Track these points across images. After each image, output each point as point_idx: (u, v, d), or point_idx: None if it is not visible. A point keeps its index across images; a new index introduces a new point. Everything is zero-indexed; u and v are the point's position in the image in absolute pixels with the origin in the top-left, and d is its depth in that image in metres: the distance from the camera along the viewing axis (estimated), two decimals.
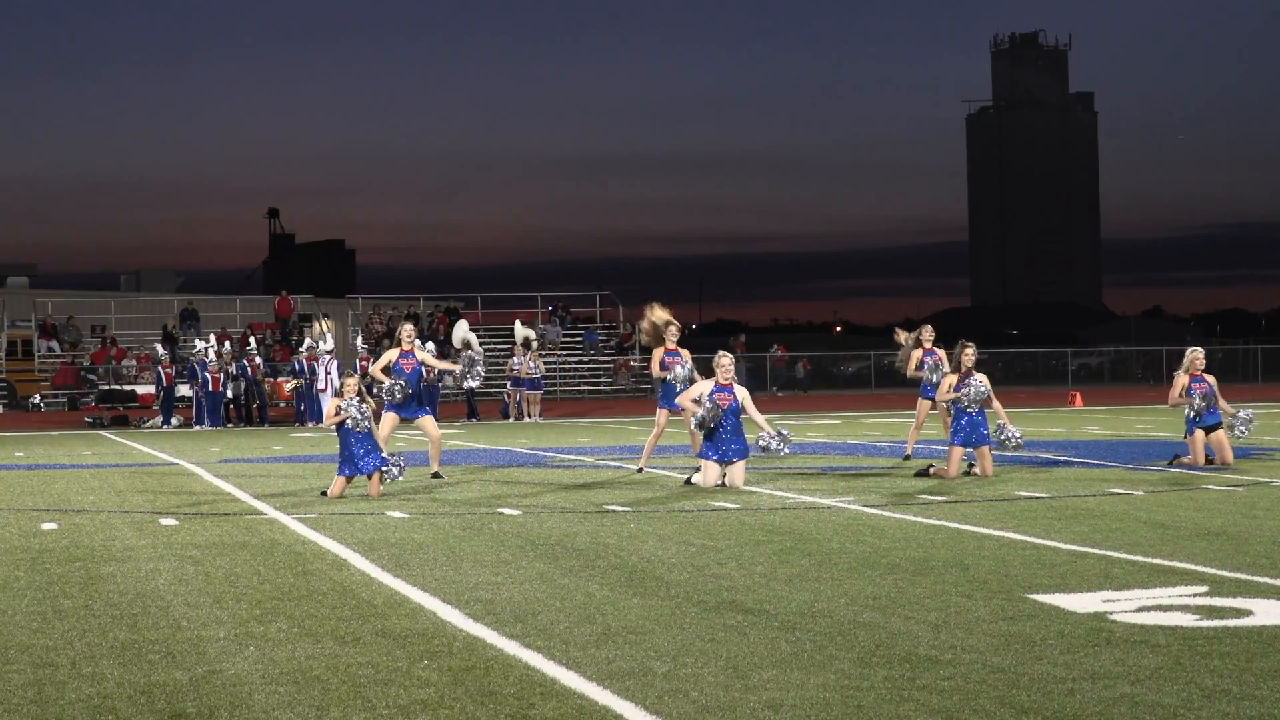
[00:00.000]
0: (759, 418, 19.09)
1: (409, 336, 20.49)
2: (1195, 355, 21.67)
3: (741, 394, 18.92)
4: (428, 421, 20.62)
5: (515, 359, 44.39)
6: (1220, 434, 21.04)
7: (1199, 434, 20.98)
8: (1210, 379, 21.38)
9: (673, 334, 20.99)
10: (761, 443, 18.86)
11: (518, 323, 49.34)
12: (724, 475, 18.61)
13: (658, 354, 21.19)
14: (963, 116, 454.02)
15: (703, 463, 18.82)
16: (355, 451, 17.89)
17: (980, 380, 19.61)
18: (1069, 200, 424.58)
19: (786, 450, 19.20)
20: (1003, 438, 19.90)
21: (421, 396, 20.81)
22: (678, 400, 19.83)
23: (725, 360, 19.10)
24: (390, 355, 20.45)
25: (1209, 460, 20.88)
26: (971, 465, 19.82)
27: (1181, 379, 21.44)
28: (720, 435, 18.65)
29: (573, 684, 7.65)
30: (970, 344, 20.35)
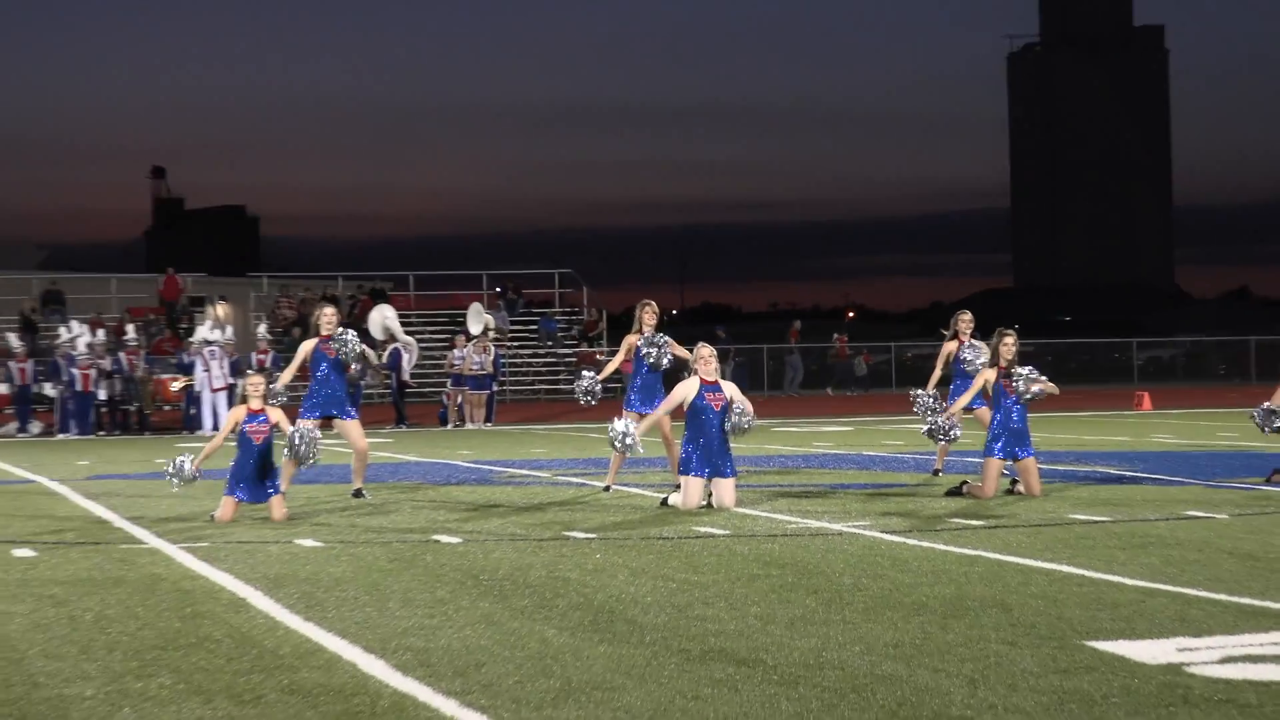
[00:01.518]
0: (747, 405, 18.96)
1: (329, 322, 20.36)
2: None
3: (730, 390, 18.88)
4: (352, 427, 20.38)
5: (457, 351, 44.32)
6: None
7: None
8: None
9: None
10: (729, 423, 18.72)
11: (476, 305, 48.52)
12: (709, 494, 18.61)
13: (629, 342, 21.14)
14: (1004, 55, 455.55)
15: (683, 480, 18.79)
16: (251, 471, 17.92)
17: (1029, 373, 19.55)
18: (1133, 160, 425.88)
19: (748, 424, 18.92)
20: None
21: (345, 395, 20.66)
22: (655, 413, 19.76)
23: (706, 352, 18.85)
24: (306, 347, 20.37)
25: None
26: (1015, 482, 19.86)
27: None
28: (708, 447, 18.58)
29: None
30: (1010, 332, 20.30)
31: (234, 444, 18.39)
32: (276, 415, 18.48)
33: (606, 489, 21.12)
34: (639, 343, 20.96)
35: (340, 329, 20.42)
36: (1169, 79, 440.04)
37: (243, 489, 17.98)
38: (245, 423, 18.23)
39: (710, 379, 18.76)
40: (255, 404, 18.33)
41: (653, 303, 21.20)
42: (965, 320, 22.84)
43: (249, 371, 21.18)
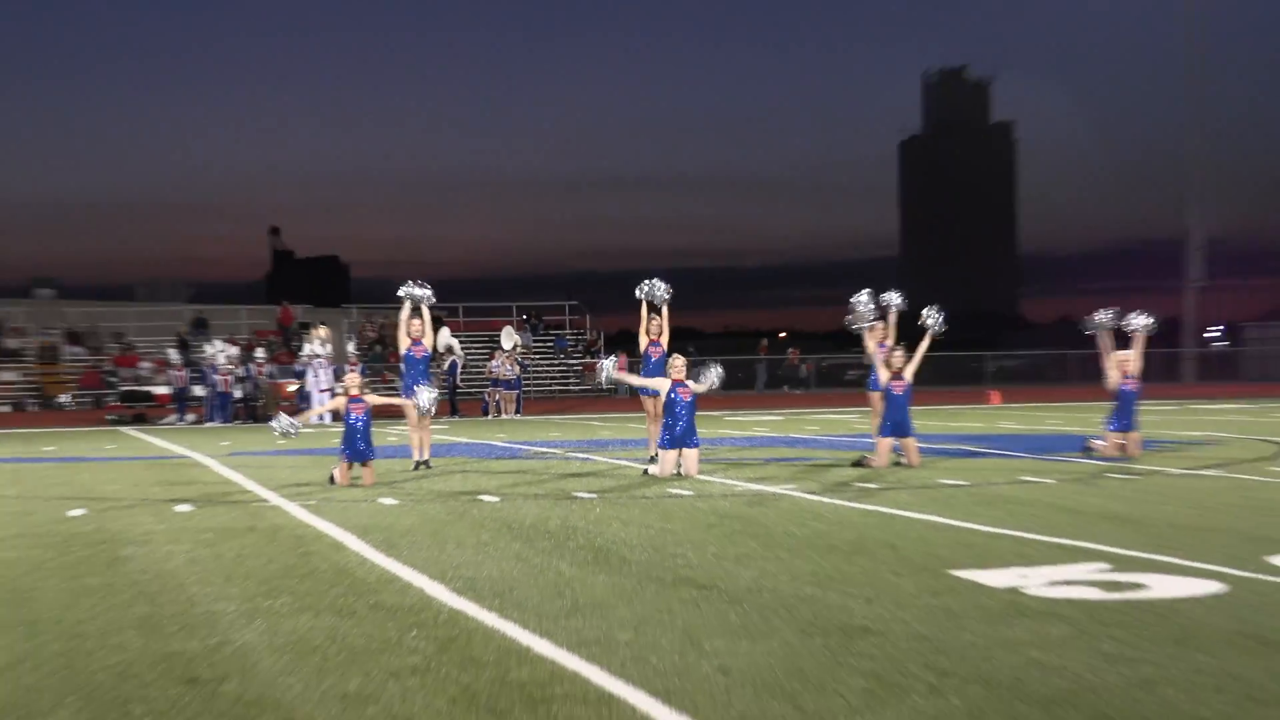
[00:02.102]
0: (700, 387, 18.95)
1: (418, 326, 20.87)
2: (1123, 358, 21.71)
3: (694, 386, 18.92)
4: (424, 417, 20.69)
5: (494, 361, 44.33)
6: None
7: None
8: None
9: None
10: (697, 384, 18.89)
11: (508, 328, 49.55)
12: (680, 464, 18.66)
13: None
14: (896, 143, 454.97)
15: (660, 453, 18.83)
16: (353, 439, 18.13)
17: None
18: (990, 218, 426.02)
19: (715, 382, 18.94)
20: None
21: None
22: (636, 380, 19.97)
23: (680, 362, 19.04)
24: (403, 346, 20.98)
25: (1122, 450, 21.05)
26: (900, 455, 19.90)
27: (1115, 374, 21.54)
28: (676, 428, 18.65)
29: (545, 651, 7.69)
30: (899, 348, 20.48)
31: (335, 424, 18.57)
32: (370, 399, 18.95)
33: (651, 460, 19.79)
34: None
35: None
36: (1016, 160, 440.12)
37: (347, 453, 18.16)
38: (350, 403, 18.63)
39: (679, 378, 18.86)
40: (354, 392, 18.66)
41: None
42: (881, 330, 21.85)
43: (349, 369, 21.59)
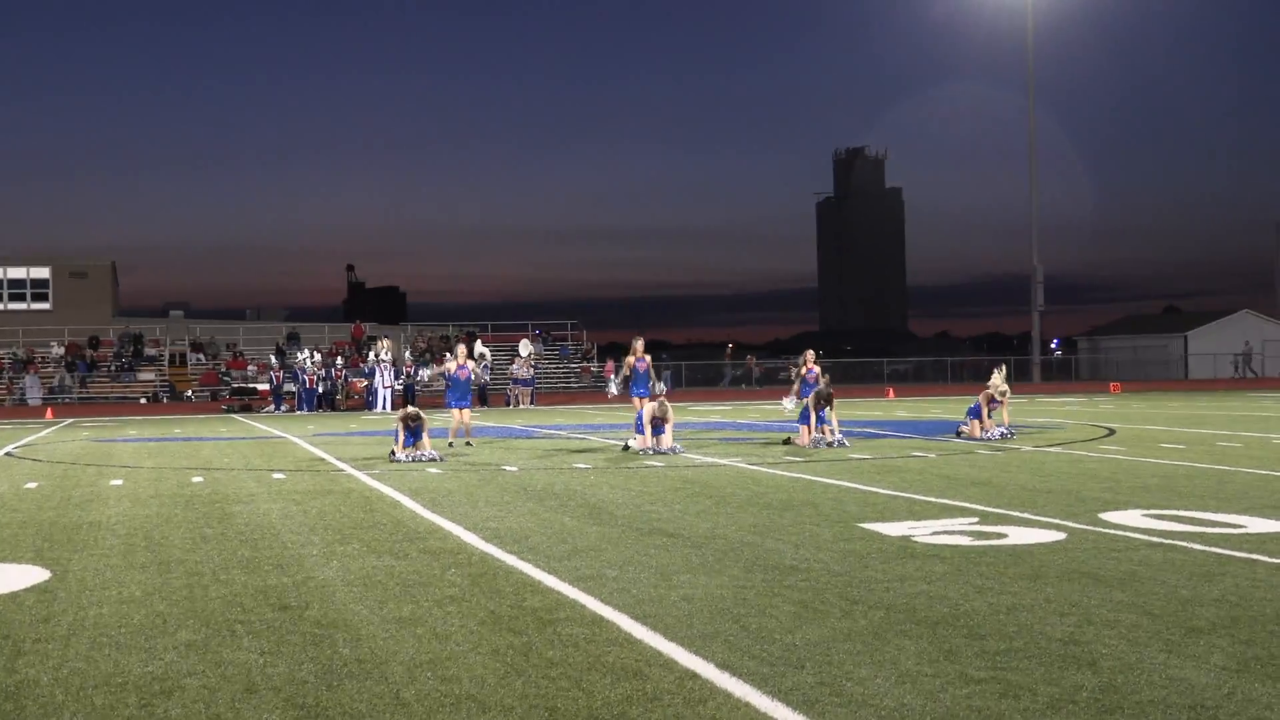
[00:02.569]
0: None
1: (463, 353, 20.95)
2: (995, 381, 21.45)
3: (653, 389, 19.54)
4: (466, 410, 20.76)
5: (514, 365, 44.34)
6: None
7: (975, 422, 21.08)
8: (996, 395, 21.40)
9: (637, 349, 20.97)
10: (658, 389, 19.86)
11: (524, 340, 49.71)
12: (657, 410, 18.67)
13: (628, 361, 20.97)
14: (814, 203, 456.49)
15: (635, 400, 20.03)
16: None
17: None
18: (885, 258, 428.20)
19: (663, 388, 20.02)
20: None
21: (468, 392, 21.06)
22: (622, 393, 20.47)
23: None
24: (450, 366, 20.97)
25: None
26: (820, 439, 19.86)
27: (986, 392, 21.38)
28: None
29: (552, 584, 7.64)
30: (810, 353, 21.18)
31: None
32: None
33: (626, 448, 18.99)
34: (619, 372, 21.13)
35: (470, 357, 21.54)
36: (905, 215, 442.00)
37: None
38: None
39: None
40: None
41: (640, 339, 21.17)
42: (810, 356, 21.87)
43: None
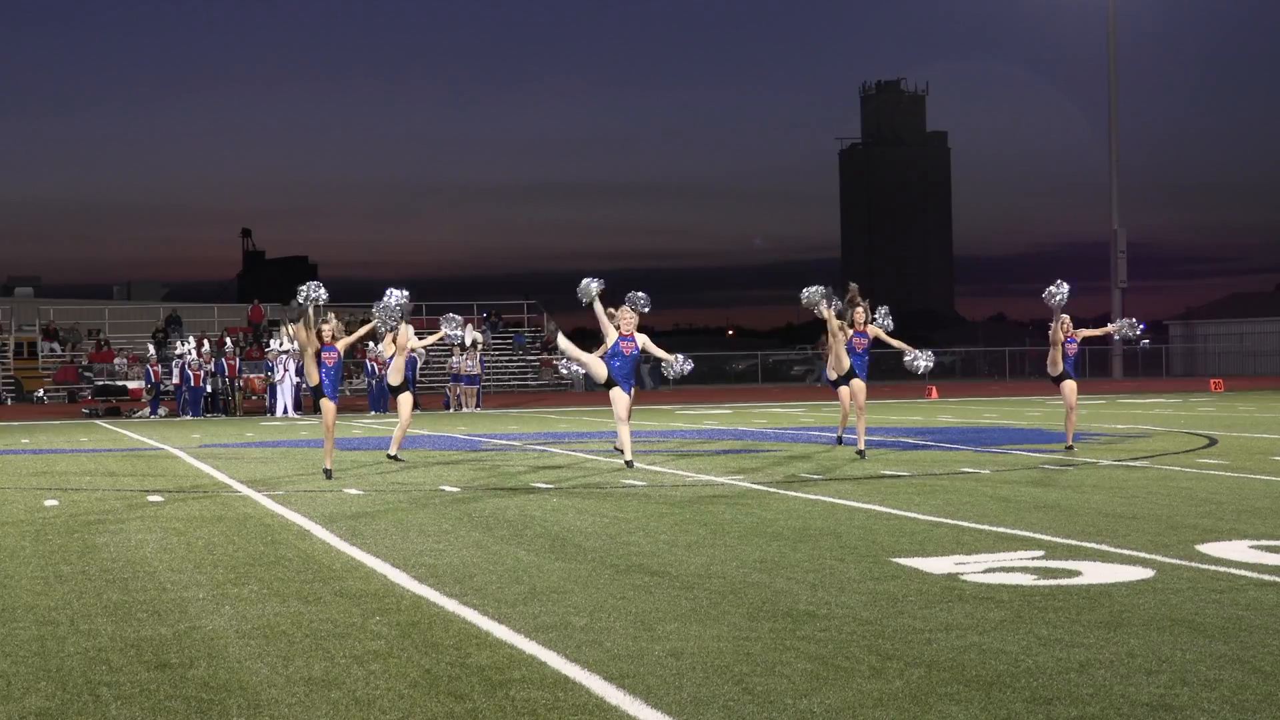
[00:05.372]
0: (660, 352, 18.30)
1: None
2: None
3: (641, 340, 18.12)
4: (403, 400, 20.63)
5: (455, 358, 44.30)
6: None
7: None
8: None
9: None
10: (665, 371, 18.55)
11: (469, 326, 49.26)
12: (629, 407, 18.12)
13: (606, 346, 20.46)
14: (836, 151, 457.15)
15: (612, 394, 18.01)
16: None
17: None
18: (926, 222, 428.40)
19: (688, 368, 18.45)
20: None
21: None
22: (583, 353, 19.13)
23: (626, 314, 18.09)
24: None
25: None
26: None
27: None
28: (621, 375, 17.95)
29: (504, 636, 7.63)
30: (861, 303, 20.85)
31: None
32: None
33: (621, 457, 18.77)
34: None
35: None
36: (951, 168, 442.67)
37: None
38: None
39: (627, 332, 18.08)
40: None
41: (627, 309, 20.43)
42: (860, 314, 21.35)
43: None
